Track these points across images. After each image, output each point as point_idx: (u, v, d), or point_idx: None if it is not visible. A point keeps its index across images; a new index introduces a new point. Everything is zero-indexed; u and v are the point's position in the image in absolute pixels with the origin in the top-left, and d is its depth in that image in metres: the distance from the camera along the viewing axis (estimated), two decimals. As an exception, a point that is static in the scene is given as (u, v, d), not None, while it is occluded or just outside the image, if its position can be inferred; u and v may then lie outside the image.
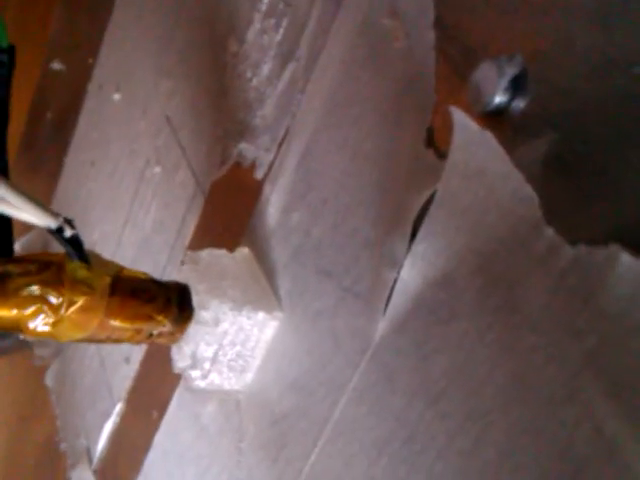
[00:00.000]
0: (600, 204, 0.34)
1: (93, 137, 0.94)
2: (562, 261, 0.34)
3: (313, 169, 0.52)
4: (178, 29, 0.75)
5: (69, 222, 0.48)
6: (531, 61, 0.38)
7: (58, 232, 0.47)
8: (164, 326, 0.51)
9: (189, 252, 0.57)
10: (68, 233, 0.47)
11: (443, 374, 0.39)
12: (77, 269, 0.48)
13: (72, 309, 0.47)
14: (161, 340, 0.53)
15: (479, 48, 0.41)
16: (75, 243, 0.47)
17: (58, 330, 0.48)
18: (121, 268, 0.51)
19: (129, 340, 0.51)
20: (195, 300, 0.52)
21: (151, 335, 0.52)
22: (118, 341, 0.51)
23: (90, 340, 0.50)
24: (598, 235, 0.33)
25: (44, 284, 0.47)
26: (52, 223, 0.46)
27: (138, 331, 0.51)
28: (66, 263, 0.48)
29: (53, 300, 0.47)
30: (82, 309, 0.47)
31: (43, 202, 0.46)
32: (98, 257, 0.50)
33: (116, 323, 0.49)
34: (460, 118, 0.37)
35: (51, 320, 0.47)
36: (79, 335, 0.49)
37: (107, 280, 0.48)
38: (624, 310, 0.31)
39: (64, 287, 0.47)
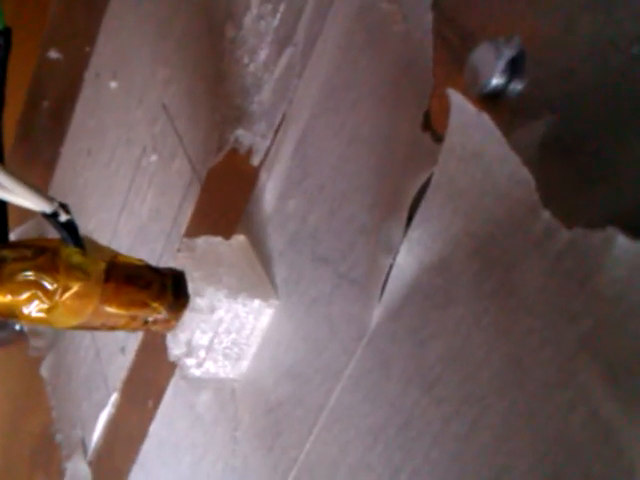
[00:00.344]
0: (598, 187, 0.34)
1: (90, 125, 0.94)
2: (558, 244, 0.34)
3: (309, 155, 0.52)
4: (176, 17, 0.74)
5: (64, 207, 0.47)
6: (529, 42, 0.38)
7: (53, 217, 0.46)
8: (159, 313, 0.51)
9: (185, 239, 0.56)
10: (63, 218, 0.47)
11: (439, 359, 0.39)
12: (72, 255, 0.47)
13: (67, 295, 0.47)
14: (156, 327, 0.52)
15: (477, 30, 0.40)
16: (70, 228, 0.47)
17: (53, 316, 0.47)
18: (116, 254, 0.51)
19: (124, 327, 0.51)
20: (190, 287, 0.52)
21: (146, 322, 0.52)
22: (113, 328, 0.51)
23: (85, 327, 0.50)
24: (596, 218, 0.33)
25: (39, 269, 0.46)
26: (47, 207, 0.46)
27: (133, 318, 0.50)
28: (61, 249, 0.48)
29: (48, 286, 0.46)
30: (77, 295, 0.47)
31: (38, 186, 0.46)
32: (93, 243, 0.50)
33: (111, 309, 0.49)
34: (457, 100, 0.37)
35: (46, 306, 0.47)
36: (74, 321, 0.49)
37: (102, 266, 0.48)
38: (620, 293, 0.31)
39: (59, 273, 0.47)
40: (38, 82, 1.13)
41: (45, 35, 1.12)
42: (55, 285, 0.46)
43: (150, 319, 0.51)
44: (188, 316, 0.52)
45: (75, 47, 1.02)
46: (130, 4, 0.85)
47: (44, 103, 1.10)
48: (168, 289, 0.51)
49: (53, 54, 1.08)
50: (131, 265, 0.51)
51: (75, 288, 0.47)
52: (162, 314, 0.51)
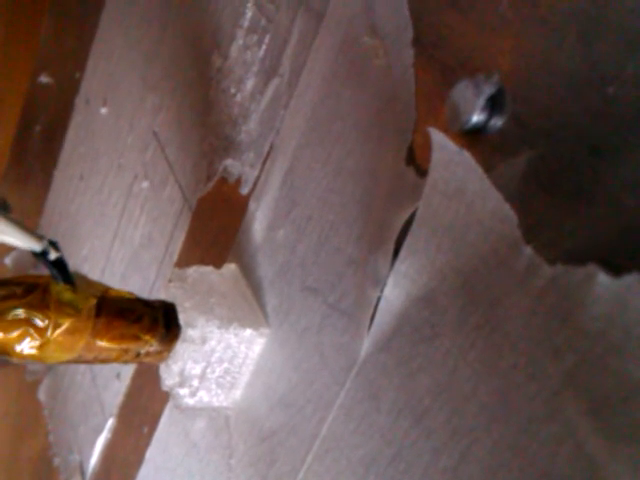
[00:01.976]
0: (576, 222, 0.34)
1: (81, 151, 0.94)
2: (540, 280, 0.34)
3: (297, 186, 0.52)
4: (163, 44, 0.75)
5: (53, 244, 0.48)
6: (509, 80, 0.38)
7: (42, 255, 0.47)
8: (151, 345, 0.52)
9: (176, 269, 0.57)
10: (53, 256, 0.47)
11: (427, 392, 0.39)
12: (62, 291, 0.48)
13: (58, 331, 0.47)
14: (149, 359, 0.53)
15: (457, 66, 0.41)
16: (60, 265, 0.48)
17: (45, 352, 0.48)
18: (107, 288, 0.51)
19: (116, 360, 0.51)
20: (182, 318, 0.52)
21: (139, 355, 0.52)
22: (105, 361, 0.51)
23: (77, 361, 0.50)
24: (577, 252, 0.34)
25: (29, 307, 0.47)
26: (36, 246, 0.46)
27: (125, 351, 0.51)
28: (51, 285, 0.48)
29: (39, 323, 0.47)
30: (68, 331, 0.48)
31: (27, 225, 0.46)
32: (83, 278, 0.50)
33: (103, 344, 0.49)
34: (438, 138, 0.38)
35: (37, 343, 0.47)
36: (66, 357, 0.49)
37: (93, 301, 0.49)
38: (602, 329, 0.31)
39: (50, 310, 0.47)
40: (30, 106, 1.13)
41: (36, 60, 1.12)
42: (46, 322, 0.47)
43: (142, 351, 0.52)
44: (180, 347, 0.53)
45: (65, 72, 1.02)
46: (118, 30, 0.86)
47: (36, 127, 1.10)
48: (159, 321, 0.51)
49: (44, 79, 1.08)
50: (122, 299, 0.51)
51: (66, 324, 0.47)
52: (154, 346, 0.52)
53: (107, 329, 0.49)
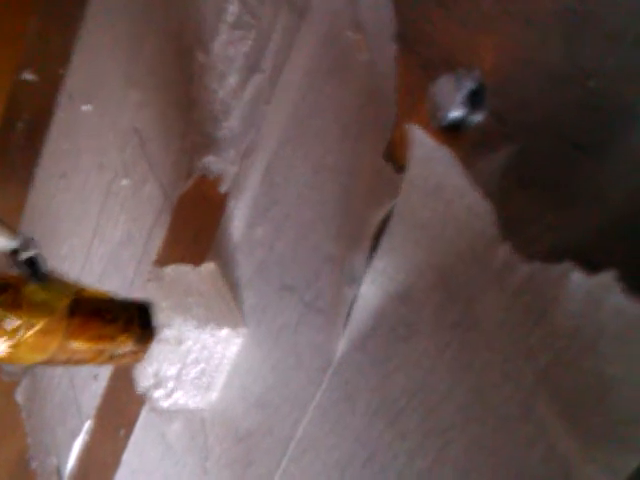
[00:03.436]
0: (556, 218, 0.33)
1: (64, 148, 0.93)
2: (517, 278, 0.33)
3: (277, 183, 0.52)
4: (147, 40, 0.74)
5: (30, 241, 0.47)
6: (489, 75, 0.38)
7: (15, 253, 0.46)
8: (127, 346, 0.51)
9: (154, 268, 0.56)
10: (26, 255, 0.46)
11: (403, 392, 0.39)
12: (35, 291, 0.47)
13: (31, 332, 0.46)
14: (125, 360, 0.52)
15: (440, 62, 0.40)
16: (33, 264, 0.47)
17: (17, 353, 0.47)
18: (82, 288, 0.50)
19: (91, 361, 0.50)
20: (159, 318, 0.51)
21: (114, 356, 0.51)
22: (80, 363, 0.50)
23: (51, 363, 0.49)
24: (554, 250, 0.33)
25: (1, 307, 0.46)
26: (11, 243, 0.46)
27: (100, 352, 0.50)
28: (24, 285, 0.47)
29: (11, 323, 0.46)
30: (41, 332, 0.46)
31: (3, 222, 0.46)
32: (58, 278, 0.49)
33: (77, 345, 0.48)
34: (417, 135, 0.37)
35: (9, 344, 0.46)
36: (39, 358, 0.48)
37: (66, 301, 0.48)
38: (575, 329, 0.30)
39: (22, 310, 0.46)
40: (13, 103, 1.12)
41: (20, 57, 1.11)
42: (18, 322, 0.46)
43: (118, 352, 0.51)
44: (156, 347, 0.52)
45: (49, 69, 1.01)
46: (102, 26, 0.85)
47: (19, 125, 1.09)
48: (135, 322, 0.50)
49: (27, 75, 1.07)
50: (97, 299, 0.50)
51: (39, 325, 0.46)
52: (129, 347, 0.51)
53: (81, 329, 0.48)
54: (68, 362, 0.48)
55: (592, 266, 0.31)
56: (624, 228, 0.30)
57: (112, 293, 0.51)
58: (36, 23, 1.09)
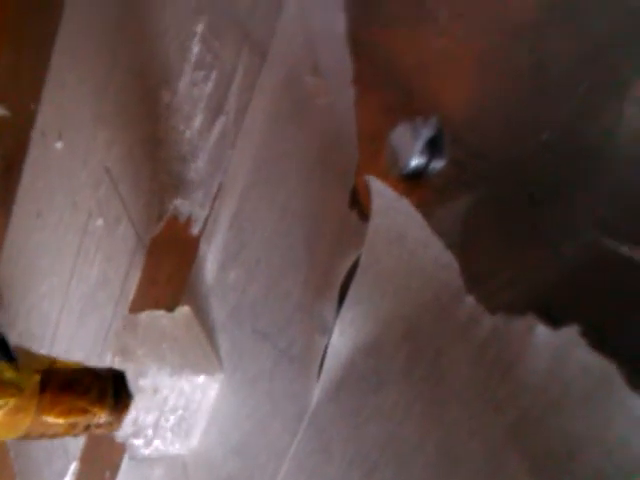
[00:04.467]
0: (516, 270, 0.33)
1: (38, 186, 0.92)
2: (482, 331, 0.33)
3: (245, 227, 0.51)
4: (113, 78, 0.73)
5: None
6: (448, 122, 0.37)
7: None
8: (101, 417, 0.50)
9: (127, 315, 0.55)
10: None
11: (376, 444, 0.38)
12: (3, 370, 0.46)
13: (1, 412, 0.45)
14: (100, 431, 0.51)
15: (398, 107, 0.40)
16: (0, 343, 0.46)
17: None
18: (52, 360, 0.49)
19: (65, 434, 0.50)
20: (133, 367, 0.51)
21: (88, 427, 0.50)
22: (55, 436, 0.49)
23: (26, 438, 0.48)
24: (517, 302, 0.33)
25: None
26: None
27: (74, 425, 0.49)
28: None
29: None
30: (12, 411, 0.46)
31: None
32: (27, 352, 0.49)
33: (50, 419, 0.47)
34: (377, 186, 0.37)
35: None
36: (12, 436, 0.47)
37: (37, 377, 0.47)
38: (542, 384, 0.30)
39: None
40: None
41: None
42: None
43: (92, 424, 0.50)
44: (134, 397, 0.51)
45: (21, 104, 1.00)
46: (69, 62, 0.85)
47: (-6, 160, 1.08)
48: (108, 392, 0.50)
49: (0, 110, 1.06)
50: (68, 371, 0.49)
51: (9, 404, 0.45)
52: (103, 418, 0.50)
53: (53, 404, 0.48)
54: (43, 436, 0.48)
55: (555, 320, 0.31)
56: (582, 282, 0.30)
57: (83, 362, 0.50)
58: (8, 58, 1.08)
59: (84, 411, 0.48)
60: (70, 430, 0.48)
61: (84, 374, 0.49)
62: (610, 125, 0.31)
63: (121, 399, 0.50)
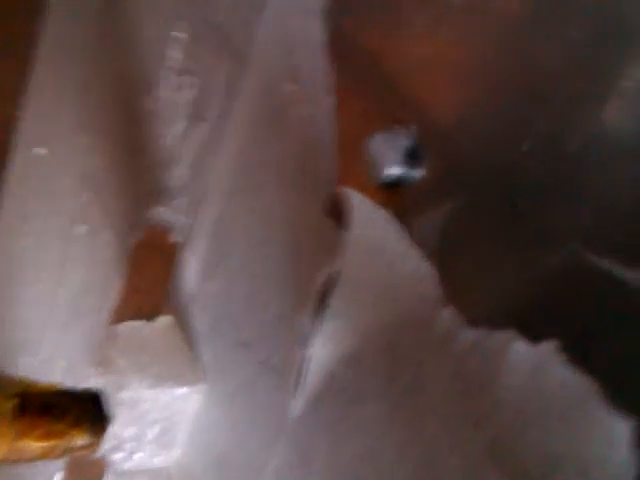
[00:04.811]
0: (496, 281, 0.33)
1: (23, 191, 0.91)
2: (461, 344, 0.33)
3: (226, 235, 0.51)
4: (95, 84, 0.73)
5: None
6: (426, 132, 0.37)
7: None
8: (79, 440, 0.49)
9: (109, 327, 0.55)
10: None
11: (355, 458, 0.38)
12: None
13: None
14: (79, 453, 0.50)
15: (376, 116, 0.40)
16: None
17: None
18: (28, 383, 0.48)
19: (44, 458, 0.49)
20: (115, 379, 0.50)
21: (67, 450, 0.49)
22: (33, 460, 0.48)
23: (4, 463, 0.47)
24: (496, 315, 0.32)
25: None
26: None
27: (52, 448, 0.48)
28: None
29: None
30: None
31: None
32: (2, 376, 0.48)
33: (28, 444, 0.46)
34: (355, 197, 0.36)
35: None
36: None
37: (13, 402, 0.46)
38: (521, 400, 0.30)
39: None
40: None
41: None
42: None
43: (71, 447, 0.49)
44: (114, 410, 0.50)
45: (4, 110, 0.99)
46: (51, 69, 0.83)
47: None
48: (86, 413, 0.49)
49: (-16, 116, 1.05)
50: (46, 394, 0.48)
51: None
52: (82, 440, 0.49)
53: (31, 428, 0.46)
54: (20, 460, 0.47)
55: (535, 334, 0.30)
56: (562, 296, 0.30)
57: (60, 385, 0.49)
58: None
59: (62, 434, 0.47)
60: (48, 454, 0.47)
61: (62, 397, 0.48)
62: (590, 135, 0.30)
63: (100, 420, 0.49)
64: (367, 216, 0.36)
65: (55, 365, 0.75)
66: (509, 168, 0.33)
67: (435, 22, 0.38)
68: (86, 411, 0.49)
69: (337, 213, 0.41)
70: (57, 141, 0.79)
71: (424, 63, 0.38)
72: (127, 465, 0.52)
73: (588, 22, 0.31)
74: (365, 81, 0.41)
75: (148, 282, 0.61)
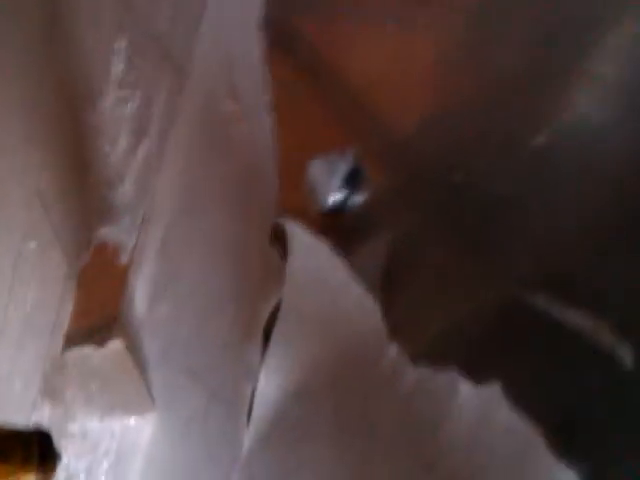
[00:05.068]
0: (433, 319, 0.31)
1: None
2: (407, 384, 0.31)
3: (173, 258, 0.49)
4: (41, 98, 0.70)
5: None
6: (366, 156, 0.35)
7: None
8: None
9: (55, 357, 0.52)
10: None
11: (306, 497, 0.36)
12: None
13: None
14: None
15: (315, 139, 0.38)
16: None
17: None
18: None
19: None
20: (62, 411, 0.48)
21: None
22: None
23: None
24: (438, 353, 0.31)
25: None
26: None
27: None
28: None
29: None
30: None
31: None
32: None
33: None
34: (293, 229, 0.34)
35: None
36: None
37: None
38: (469, 445, 0.28)
39: None
40: None
41: None
42: None
43: None
44: (62, 442, 0.48)
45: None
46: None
47: None
48: (34, 453, 0.47)
49: None
50: None
51: None
52: None
53: None
54: None
55: (477, 374, 0.29)
56: (501, 333, 0.28)
57: (6, 425, 0.47)
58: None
59: (10, 475, 0.45)
60: None
61: (7, 438, 0.46)
62: (525, 172, 0.29)
63: (47, 460, 0.47)
64: (307, 247, 0.35)
65: (13, 384, 0.73)
66: (447, 199, 0.31)
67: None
68: (34, 451, 0.47)
69: (280, 241, 0.39)
70: (10, 156, 0.76)
71: (380, 77, 0.36)
72: (79, 499, 0.51)
73: (544, 29, 0.29)
74: (302, 103, 0.39)
75: (99, 304, 0.59)
